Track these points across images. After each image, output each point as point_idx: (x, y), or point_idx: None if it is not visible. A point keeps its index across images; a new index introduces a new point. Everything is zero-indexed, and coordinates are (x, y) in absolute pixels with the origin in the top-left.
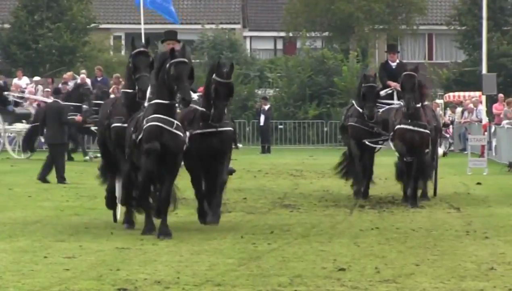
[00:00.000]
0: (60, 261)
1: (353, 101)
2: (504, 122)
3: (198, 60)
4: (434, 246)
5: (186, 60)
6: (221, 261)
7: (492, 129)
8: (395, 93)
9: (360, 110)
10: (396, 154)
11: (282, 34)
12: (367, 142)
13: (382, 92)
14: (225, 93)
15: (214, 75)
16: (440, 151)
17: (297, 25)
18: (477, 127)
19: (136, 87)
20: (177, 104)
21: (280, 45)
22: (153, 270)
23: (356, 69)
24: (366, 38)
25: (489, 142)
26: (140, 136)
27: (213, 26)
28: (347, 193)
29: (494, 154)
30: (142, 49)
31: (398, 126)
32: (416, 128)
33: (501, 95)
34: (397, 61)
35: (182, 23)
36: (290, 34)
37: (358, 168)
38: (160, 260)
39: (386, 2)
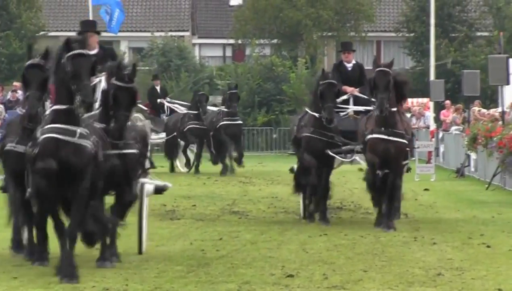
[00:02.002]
0: (8, 269)
1: (307, 109)
2: (452, 128)
3: (147, 68)
4: (382, 252)
5: (85, 52)
6: (170, 268)
7: (440, 136)
8: (351, 100)
9: (317, 115)
10: (365, 165)
11: (231, 41)
12: (330, 153)
13: (339, 100)
14: (127, 100)
15: (113, 79)
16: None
17: (246, 32)
18: (424, 133)
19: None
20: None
21: (229, 53)
22: (101, 277)
23: (304, 76)
24: (314, 45)
25: (437, 149)
26: (36, 152)
27: (163, 33)
28: (295, 199)
29: (441, 160)
30: (35, 61)
31: (369, 136)
32: (391, 138)
33: (447, 102)
34: (353, 62)
35: (131, 30)
36: (239, 42)
37: (313, 180)
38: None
39: (335, 9)
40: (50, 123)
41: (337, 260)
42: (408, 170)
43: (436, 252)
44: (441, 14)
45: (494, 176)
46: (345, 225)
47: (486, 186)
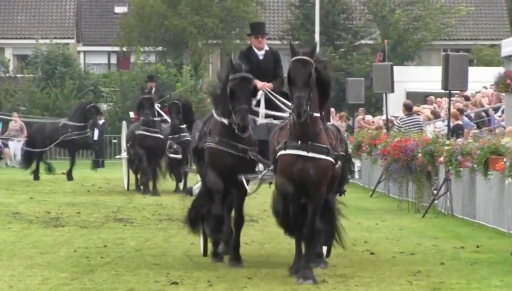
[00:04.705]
0: None
1: (213, 111)
2: None
3: (32, 75)
4: (267, 259)
5: None
6: (54, 275)
7: None
8: (262, 99)
9: (225, 121)
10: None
11: (116, 48)
12: (242, 179)
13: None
14: None
15: None
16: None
17: (131, 39)
18: None
19: None
20: None
21: (114, 60)
22: None
23: (190, 84)
24: (199, 53)
25: None
26: None
27: (47, 41)
28: (180, 206)
29: None
30: None
31: (281, 152)
32: (309, 154)
33: (332, 109)
34: (266, 48)
35: (16, 38)
36: (124, 49)
37: (217, 209)
38: None
39: (220, 17)
40: None
41: (221, 267)
42: (342, 193)
43: None
44: (326, 22)
45: (378, 183)
46: None
47: (370, 193)
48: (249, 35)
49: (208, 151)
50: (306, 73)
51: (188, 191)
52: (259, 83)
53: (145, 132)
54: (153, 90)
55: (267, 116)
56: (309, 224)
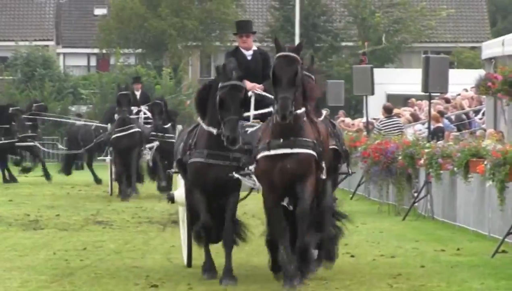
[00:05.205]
0: None
1: (200, 121)
2: None
3: (11, 77)
4: (247, 261)
5: None
6: (34, 278)
7: None
8: (252, 100)
9: (214, 131)
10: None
11: (96, 51)
12: (234, 175)
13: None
14: None
15: None
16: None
17: (111, 42)
18: None
19: None
20: None
21: (93, 62)
22: None
23: (170, 86)
24: (179, 55)
25: None
26: None
27: (27, 43)
28: (160, 209)
29: None
30: None
31: (261, 154)
32: (291, 150)
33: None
34: (254, 48)
35: None
36: (104, 51)
37: (205, 218)
38: None
39: (199, 19)
40: None
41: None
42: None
43: None
44: (306, 24)
45: (358, 185)
46: None
47: (351, 195)
48: (234, 34)
49: (193, 166)
50: (292, 72)
51: (169, 197)
52: (249, 85)
53: (118, 134)
54: (139, 92)
55: (256, 117)
56: (300, 217)
